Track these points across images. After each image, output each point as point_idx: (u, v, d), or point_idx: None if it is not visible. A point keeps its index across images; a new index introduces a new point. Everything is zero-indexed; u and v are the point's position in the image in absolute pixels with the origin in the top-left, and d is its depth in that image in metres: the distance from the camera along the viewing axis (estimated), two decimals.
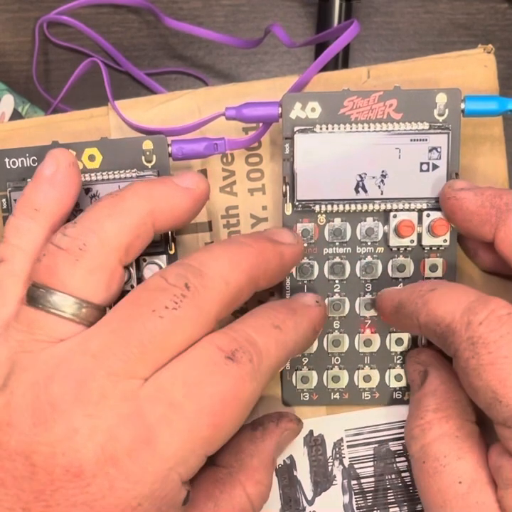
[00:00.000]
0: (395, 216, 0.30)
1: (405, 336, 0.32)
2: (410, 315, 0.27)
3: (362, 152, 0.30)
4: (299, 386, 0.32)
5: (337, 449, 0.33)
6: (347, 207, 0.30)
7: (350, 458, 0.33)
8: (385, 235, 0.31)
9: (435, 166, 0.30)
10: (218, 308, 0.25)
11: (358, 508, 0.33)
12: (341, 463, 0.33)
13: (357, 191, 0.30)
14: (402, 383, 0.32)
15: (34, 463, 0.23)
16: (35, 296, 0.25)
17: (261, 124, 0.32)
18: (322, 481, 0.33)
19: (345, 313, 0.32)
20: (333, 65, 0.42)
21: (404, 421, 0.32)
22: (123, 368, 0.23)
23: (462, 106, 0.30)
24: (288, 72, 0.45)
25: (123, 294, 0.27)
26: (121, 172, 0.30)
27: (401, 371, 0.32)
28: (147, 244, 0.27)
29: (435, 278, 0.31)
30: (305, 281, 0.31)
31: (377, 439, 0.33)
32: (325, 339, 0.32)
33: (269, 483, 0.29)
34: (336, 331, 0.32)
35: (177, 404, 0.23)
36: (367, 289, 0.31)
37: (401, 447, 0.33)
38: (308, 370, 0.32)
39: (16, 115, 0.43)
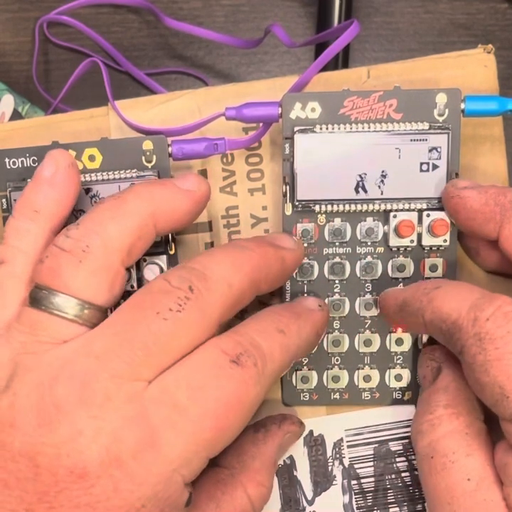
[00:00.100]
0: (395, 216, 0.30)
1: (405, 336, 0.32)
2: (415, 313, 0.27)
3: (362, 152, 0.30)
4: (299, 386, 0.32)
5: (337, 449, 0.33)
6: (347, 207, 0.30)
7: (350, 458, 0.33)
8: (385, 235, 0.31)
9: (435, 166, 0.30)
10: (221, 311, 0.25)
11: (358, 508, 0.33)
12: (341, 463, 0.33)
13: (357, 191, 0.30)
14: (402, 383, 0.32)
15: (38, 464, 0.23)
16: (37, 297, 0.25)
17: (261, 124, 0.32)
18: (322, 481, 0.33)
19: (345, 314, 0.32)
20: (333, 65, 0.42)
21: (404, 421, 0.33)
22: (127, 370, 0.23)
23: (462, 106, 0.30)
24: (288, 72, 0.45)
25: (124, 295, 0.27)
26: (121, 172, 0.30)
27: (401, 371, 0.32)
28: (149, 246, 0.27)
29: (435, 278, 0.31)
30: (305, 282, 0.31)
31: (377, 439, 0.33)
32: (325, 339, 0.32)
33: (271, 485, 0.29)
34: (336, 331, 0.32)
35: (181, 407, 0.23)
36: (367, 289, 0.31)
37: (401, 447, 0.33)
38: (308, 370, 0.32)
39: (16, 115, 0.43)
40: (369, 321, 0.32)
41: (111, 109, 0.33)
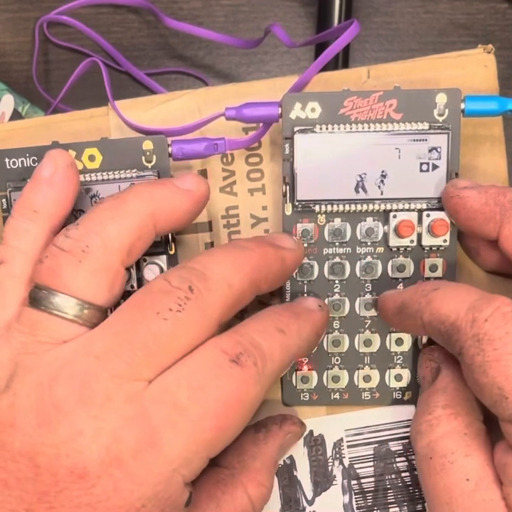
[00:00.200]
0: (394, 216, 0.30)
1: (405, 336, 0.32)
2: (414, 314, 0.27)
3: (362, 152, 0.30)
4: (299, 386, 0.32)
5: (337, 449, 0.33)
6: (347, 207, 0.30)
7: (350, 458, 0.33)
8: (385, 235, 0.31)
9: (435, 166, 0.30)
10: (221, 311, 0.25)
11: (358, 508, 0.33)
12: (341, 463, 0.33)
13: (357, 191, 0.30)
14: (402, 383, 0.32)
15: (38, 464, 0.23)
16: (37, 297, 0.25)
17: (261, 124, 0.32)
18: (322, 481, 0.33)
19: (345, 314, 0.32)
20: (333, 65, 0.42)
21: (404, 421, 0.33)
22: (127, 370, 0.23)
23: (462, 106, 0.30)
24: (288, 72, 0.45)
25: (124, 295, 0.27)
26: (121, 172, 0.30)
27: (401, 371, 0.32)
28: (149, 246, 0.27)
29: (435, 278, 0.31)
30: (305, 282, 0.31)
31: (377, 439, 0.33)
32: (325, 339, 0.32)
33: (271, 485, 0.29)
34: (336, 331, 0.32)
35: (181, 407, 0.23)
36: (367, 289, 0.31)
37: (401, 447, 0.33)
38: (309, 370, 0.32)
39: (16, 115, 0.43)
40: (369, 321, 0.32)
41: (111, 109, 0.33)
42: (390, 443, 0.33)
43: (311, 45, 0.44)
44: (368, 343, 0.32)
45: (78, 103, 0.39)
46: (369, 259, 0.31)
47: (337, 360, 0.32)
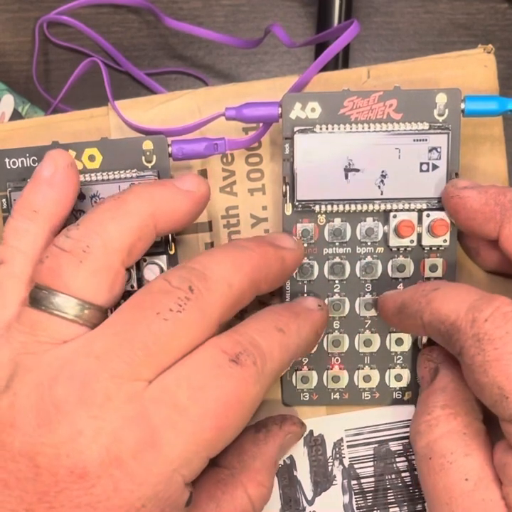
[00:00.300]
0: (394, 216, 0.30)
1: (405, 336, 0.32)
2: (414, 315, 0.27)
3: (362, 152, 0.30)
4: (299, 386, 0.32)
5: (337, 449, 0.33)
6: (347, 207, 0.30)
7: (350, 458, 0.33)
8: (385, 235, 0.31)
9: (435, 166, 0.30)
10: (221, 311, 0.25)
11: (358, 508, 0.33)
12: (341, 463, 0.33)
13: (357, 191, 0.30)
14: (402, 383, 0.32)
15: (38, 464, 0.23)
16: (37, 297, 0.25)
17: (261, 124, 0.32)
18: (322, 481, 0.33)
19: (345, 314, 0.32)
20: (333, 65, 0.42)
21: (404, 421, 0.33)
22: (127, 370, 0.23)
23: (462, 106, 0.30)
24: (288, 72, 0.45)
25: (124, 295, 0.27)
26: (121, 172, 0.30)
27: (401, 371, 0.32)
28: (149, 246, 0.27)
29: (435, 278, 0.31)
30: (305, 282, 0.31)
31: (377, 439, 0.33)
32: (325, 339, 0.32)
33: (271, 485, 0.29)
34: (336, 331, 0.32)
35: (181, 407, 0.23)
36: (367, 289, 0.31)
37: (401, 447, 0.33)
38: (308, 370, 0.32)
39: (16, 115, 0.43)
40: (369, 321, 0.32)
41: (111, 109, 0.33)
42: (390, 443, 0.33)
43: (311, 45, 0.44)
44: (368, 343, 0.32)
45: (78, 103, 0.39)
46: (369, 259, 0.31)
47: (337, 360, 0.32)
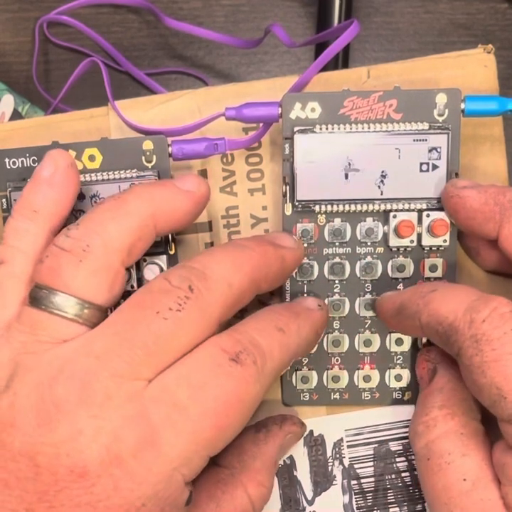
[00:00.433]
0: (394, 216, 0.30)
1: (405, 336, 0.32)
2: (412, 316, 0.27)
3: (362, 152, 0.30)
4: (299, 386, 0.32)
5: (337, 449, 0.33)
6: (347, 207, 0.30)
7: (350, 458, 0.33)
8: (385, 235, 0.31)
9: (435, 166, 0.30)
10: (221, 310, 0.25)
11: (358, 508, 0.33)
12: (341, 463, 0.33)
13: (357, 191, 0.30)
14: (402, 383, 0.32)
15: (38, 464, 0.23)
16: (38, 297, 0.25)
17: (261, 124, 0.32)
18: (322, 481, 0.33)
19: (345, 314, 0.32)
20: (333, 65, 0.42)
21: (404, 421, 0.33)
22: (127, 370, 0.23)
23: (462, 106, 0.30)
24: (288, 72, 0.45)
25: (124, 294, 0.27)
26: (121, 172, 0.30)
27: (401, 371, 0.32)
28: (149, 246, 0.27)
29: (435, 278, 0.31)
30: (305, 282, 0.31)
31: (377, 439, 0.33)
32: (325, 339, 0.32)
33: (271, 485, 0.29)
34: (336, 331, 0.32)
35: (181, 406, 0.23)
36: (367, 289, 0.31)
37: (401, 447, 0.33)
38: (308, 370, 0.32)
39: (16, 115, 0.43)
40: (369, 321, 0.32)
41: (111, 109, 0.33)
42: (390, 443, 0.33)
43: (311, 45, 0.44)
44: (367, 343, 0.32)
45: (78, 103, 0.39)
46: (369, 259, 0.31)
47: (337, 360, 0.32)
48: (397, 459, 0.33)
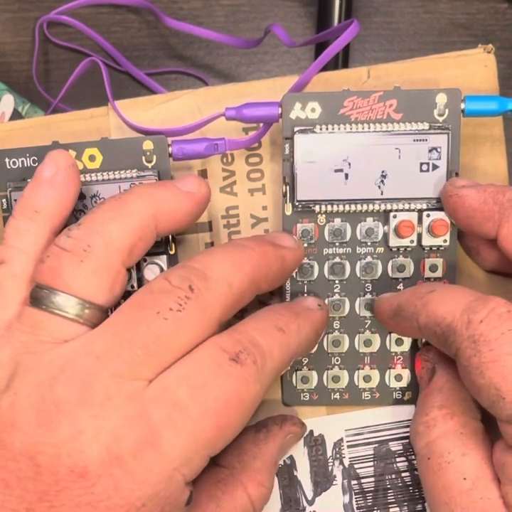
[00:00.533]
0: (394, 216, 0.30)
1: (405, 337, 0.32)
2: (410, 317, 0.27)
3: (362, 152, 0.30)
4: (299, 386, 0.32)
5: (337, 449, 0.33)
6: (347, 207, 0.30)
7: (350, 458, 0.33)
8: (385, 235, 0.31)
9: (435, 166, 0.30)
10: (221, 310, 0.25)
11: (358, 508, 0.33)
12: (341, 463, 0.33)
13: (357, 191, 0.30)
14: (402, 383, 0.32)
15: (38, 463, 0.23)
16: (38, 297, 0.25)
17: (261, 125, 0.32)
18: (322, 481, 0.33)
19: (345, 314, 0.32)
20: (333, 65, 0.42)
21: (404, 421, 0.33)
22: (127, 370, 0.23)
23: (462, 106, 0.30)
24: (288, 72, 0.45)
25: (124, 295, 0.27)
26: (121, 172, 0.30)
27: (401, 371, 0.32)
28: (149, 247, 0.27)
29: (435, 278, 0.31)
30: (305, 282, 0.31)
31: (378, 439, 0.33)
32: (325, 339, 0.32)
33: (271, 485, 0.29)
34: (336, 331, 0.32)
35: (181, 406, 0.23)
36: (367, 289, 0.31)
37: (401, 447, 0.33)
38: (309, 370, 0.32)
39: (16, 115, 0.43)
40: (369, 321, 0.32)
41: (111, 109, 0.33)
42: (390, 443, 0.33)
43: (311, 45, 0.44)
44: (368, 343, 0.32)
45: (78, 103, 0.39)
46: (369, 259, 0.31)
47: (337, 360, 0.32)
48: (397, 459, 0.33)
